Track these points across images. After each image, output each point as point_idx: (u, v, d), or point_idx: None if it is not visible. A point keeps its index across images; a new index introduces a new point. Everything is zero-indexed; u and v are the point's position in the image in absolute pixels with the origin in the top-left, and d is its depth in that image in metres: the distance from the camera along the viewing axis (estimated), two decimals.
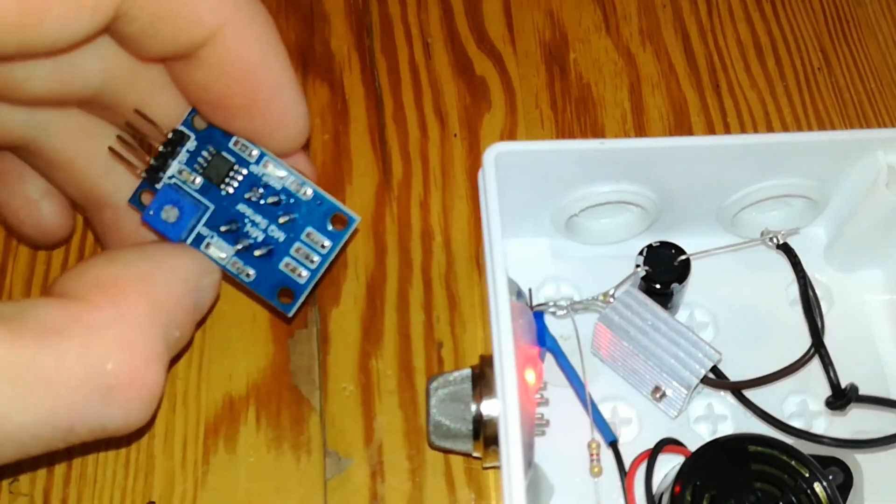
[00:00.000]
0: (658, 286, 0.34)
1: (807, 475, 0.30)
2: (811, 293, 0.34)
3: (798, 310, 0.35)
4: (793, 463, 0.30)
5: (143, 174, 0.26)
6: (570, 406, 0.34)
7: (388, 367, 0.37)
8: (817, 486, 0.29)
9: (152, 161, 0.26)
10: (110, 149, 0.27)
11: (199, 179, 0.26)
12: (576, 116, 0.44)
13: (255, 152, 0.26)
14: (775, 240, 0.35)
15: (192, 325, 0.26)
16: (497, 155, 0.32)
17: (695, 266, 0.35)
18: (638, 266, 0.34)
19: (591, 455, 0.32)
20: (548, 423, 0.33)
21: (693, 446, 0.31)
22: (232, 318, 0.37)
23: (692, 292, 0.36)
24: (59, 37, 0.21)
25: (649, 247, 0.35)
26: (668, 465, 0.32)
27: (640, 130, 0.43)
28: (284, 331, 0.37)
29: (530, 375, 0.32)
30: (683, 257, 0.34)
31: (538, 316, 0.34)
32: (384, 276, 0.39)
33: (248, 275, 0.26)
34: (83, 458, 0.34)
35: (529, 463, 0.31)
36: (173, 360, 0.28)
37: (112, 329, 0.22)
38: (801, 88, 0.45)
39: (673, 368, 0.33)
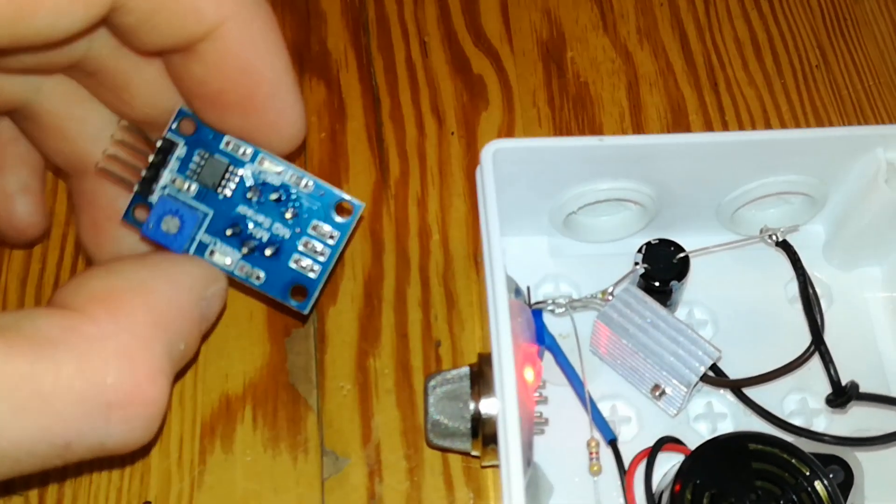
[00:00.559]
0: (657, 284, 0.34)
1: (807, 473, 0.29)
2: (811, 290, 0.34)
3: (798, 307, 0.35)
4: (793, 461, 0.30)
5: (136, 188, 0.25)
6: (569, 404, 0.34)
7: (385, 366, 0.36)
8: (818, 485, 0.29)
9: (144, 173, 0.25)
10: (99, 168, 0.26)
11: (193, 186, 0.25)
12: (573, 115, 0.43)
13: (249, 150, 0.25)
14: (774, 237, 0.35)
15: (199, 337, 0.25)
16: (495, 152, 0.32)
17: (694, 264, 0.34)
18: (637, 264, 0.34)
19: (591, 454, 0.32)
20: (547, 422, 0.33)
21: (693, 445, 0.31)
22: (228, 316, 0.37)
23: (691, 290, 0.36)
24: (53, 30, 0.20)
25: (648, 244, 0.35)
26: (668, 464, 0.32)
27: (638, 129, 0.43)
28: (281, 329, 0.37)
29: (529, 374, 0.31)
30: (682, 255, 0.34)
31: (537, 314, 0.34)
32: (381, 275, 0.38)
33: (258, 277, 0.25)
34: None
35: (528, 462, 0.30)
36: (178, 374, 0.27)
37: (111, 341, 0.21)
38: (799, 86, 0.45)
39: (672, 366, 0.32)
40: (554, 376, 0.34)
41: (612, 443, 0.33)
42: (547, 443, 0.33)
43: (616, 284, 0.34)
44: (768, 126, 0.43)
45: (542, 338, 0.33)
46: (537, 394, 0.32)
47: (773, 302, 0.37)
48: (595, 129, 0.43)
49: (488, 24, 0.46)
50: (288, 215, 0.25)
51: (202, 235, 0.26)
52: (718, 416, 0.35)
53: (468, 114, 0.43)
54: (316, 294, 0.26)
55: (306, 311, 0.27)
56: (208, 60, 0.23)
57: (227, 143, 0.25)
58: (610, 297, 0.34)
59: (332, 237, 0.25)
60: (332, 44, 0.45)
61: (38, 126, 0.27)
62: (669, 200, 0.35)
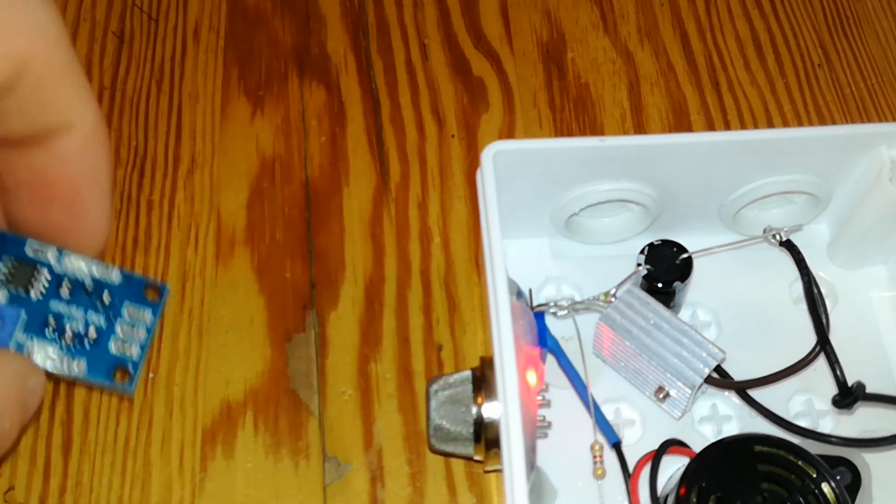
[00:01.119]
0: (660, 285, 0.34)
1: (814, 475, 0.29)
2: (815, 290, 0.33)
3: (802, 308, 0.34)
4: (800, 463, 0.29)
5: None
6: (572, 408, 0.34)
7: (387, 371, 0.36)
8: (825, 487, 0.29)
9: None
10: None
11: (3, 293, 0.25)
12: (574, 116, 0.43)
13: (53, 251, 0.26)
14: (778, 237, 0.35)
15: (20, 426, 0.25)
16: (495, 153, 0.32)
17: (697, 265, 0.34)
18: (639, 265, 0.34)
19: (595, 457, 0.32)
20: (550, 426, 0.32)
21: (698, 447, 0.31)
22: (229, 322, 0.37)
23: (694, 291, 0.36)
24: None
25: (650, 245, 0.34)
26: (673, 467, 0.31)
27: (640, 129, 0.43)
28: (282, 335, 0.37)
29: (531, 377, 0.31)
30: (685, 255, 0.34)
31: (539, 316, 0.34)
32: (382, 279, 0.38)
33: (78, 367, 0.26)
34: (79, 466, 0.34)
35: (532, 466, 0.30)
36: None
37: None
38: (802, 85, 0.44)
39: (676, 368, 0.32)
40: (557, 379, 0.34)
41: (616, 446, 0.32)
42: (550, 446, 0.33)
43: (619, 286, 0.34)
44: (771, 125, 0.43)
45: (545, 340, 0.33)
46: (540, 397, 0.32)
47: (777, 302, 0.37)
48: (596, 130, 0.43)
49: (488, 25, 0.46)
50: (100, 304, 0.26)
51: (18, 335, 0.26)
52: (724, 419, 0.34)
53: (468, 116, 0.43)
54: (139, 372, 0.27)
55: (131, 390, 0.27)
56: (60, 153, 0.23)
57: (31, 247, 0.25)
58: (612, 299, 0.34)
59: (145, 318, 0.27)
60: (331, 47, 0.45)
61: None
62: (671, 201, 0.35)
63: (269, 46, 0.45)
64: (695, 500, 0.29)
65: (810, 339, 0.33)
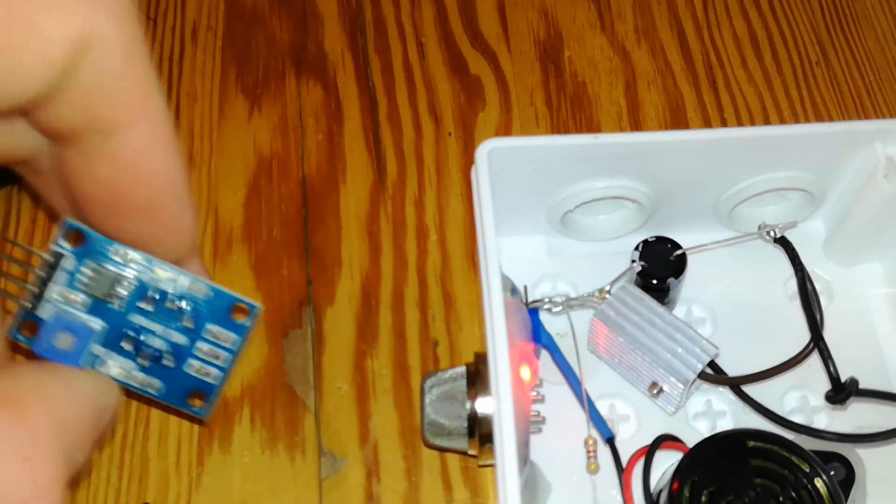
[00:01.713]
0: (654, 281, 0.34)
1: (807, 470, 0.29)
2: (810, 287, 0.34)
3: (797, 304, 0.34)
4: (793, 458, 0.29)
5: (27, 304, 0.24)
6: (566, 403, 0.34)
7: (383, 367, 0.36)
8: (818, 482, 0.29)
9: (33, 289, 0.24)
10: None
11: (84, 298, 0.24)
12: (571, 114, 0.43)
13: (140, 258, 0.24)
14: (773, 233, 0.35)
15: (92, 449, 0.24)
16: (490, 151, 0.32)
17: (692, 261, 0.34)
18: (634, 261, 0.34)
19: (588, 452, 0.32)
20: (544, 421, 0.32)
21: (692, 443, 0.31)
22: None
23: (689, 288, 0.36)
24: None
25: (645, 242, 0.34)
26: (667, 462, 0.31)
27: (636, 128, 0.43)
28: (279, 331, 0.37)
29: (525, 372, 0.31)
30: (680, 252, 0.34)
31: (533, 313, 0.34)
32: (379, 275, 0.38)
33: (154, 387, 0.25)
34: None
35: (525, 460, 0.30)
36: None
37: (12, 442, 0.20)
38: (799, 83, 0.44)
39: (670, 364, 0.32)
40: (551, 375, 0.34)
41: (610, 441, 0.32)
42: (544, 441, 0.33)
43: (613, 282, 0.34)
44: (768, 123, 0.43)
45: (539, 336, 0.33)
46: (534, 392, 0.32)
47: (772, 299, 0.37)
48: (593, 128, 0.43)
49: (485, 24, 0.46)
50: (183, 322, 0.24)
51: (96, 348, 0.25)
52: (718, 414, 0.34)
53: (465, 114, 0.43)
54: (215, 398, 0.25)
55: (204, 417, 0.26)
56: (125, 159, 0.22)
57: (117, 252, 0.24)
58: (607, 296, 0.34)
59: (229, 341, 0.25)
60: (328, 45, 0.45)
61: (46, 180, 0.26)
62: (666, 198, 0.35)
63: (267, 45, 0.45)
64: (687, 494, 0.29)
65: (805, 336, 0.33)
